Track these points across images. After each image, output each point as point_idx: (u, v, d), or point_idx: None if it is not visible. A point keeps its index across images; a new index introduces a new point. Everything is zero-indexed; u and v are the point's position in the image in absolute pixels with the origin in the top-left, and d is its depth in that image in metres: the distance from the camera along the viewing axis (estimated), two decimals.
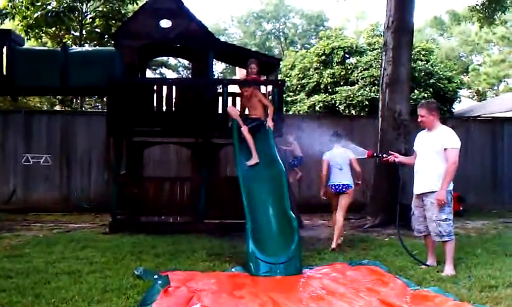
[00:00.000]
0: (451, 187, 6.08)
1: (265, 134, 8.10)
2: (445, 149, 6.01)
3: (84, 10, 15.86)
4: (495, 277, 5.52)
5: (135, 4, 15.35)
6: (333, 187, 7.88)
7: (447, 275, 5.70)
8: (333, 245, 7.45)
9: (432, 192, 6.03)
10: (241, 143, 7.89)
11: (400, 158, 6.81)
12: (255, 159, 7.74)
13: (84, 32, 16.15)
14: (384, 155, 6.97)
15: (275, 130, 8.31)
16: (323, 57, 19.32)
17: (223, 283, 5.30)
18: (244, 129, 8.01)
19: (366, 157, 7.17)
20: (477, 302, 4.66)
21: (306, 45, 37.47)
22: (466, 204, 11.89)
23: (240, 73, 17.85)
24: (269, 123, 8.17)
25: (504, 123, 13.80)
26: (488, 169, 13.37)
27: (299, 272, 5.85)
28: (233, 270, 6.01)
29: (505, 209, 12.51)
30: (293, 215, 6.49)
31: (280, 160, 7.54)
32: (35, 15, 14.46)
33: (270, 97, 9.33)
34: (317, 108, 18.29)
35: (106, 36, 15.67)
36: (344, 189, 7.78)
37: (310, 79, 19.45)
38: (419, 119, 6.30)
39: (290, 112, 18.54)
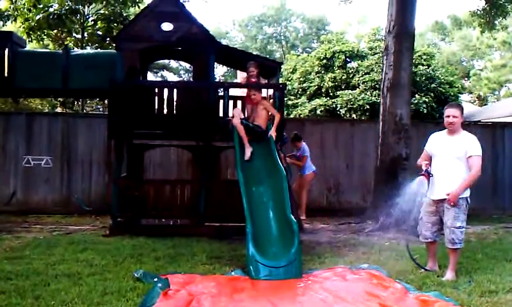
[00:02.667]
0: (468, 194, 5.98)
1: (267, 139, 8.10)
2: (469, 156, 5.84)
3: (85, 13, 15.89)
4: (495, 282, 5.51)
5: (136, 7, 15.38)
6: (315, 172, 11.06)
7: (447, 280, 5.69)
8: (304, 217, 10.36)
9: (443, 199, 5.94)
10: (242, 147, 7.88)
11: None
12: (248, 151, 7.78)
13: (85, 34, 16.18)
14: (429, 170, 6.11)
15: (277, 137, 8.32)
16: (324, 61, 19.34)
17: (222, 286, 5.29)
18: (235, 119, 8.07)
19: (425, 180, 6.07)
20: None
21: (307, 49, 37.56)
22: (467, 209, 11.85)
23: (241, 77, 17.87)
24: (272, 132, 8.15)
25: (504, 127, 13.77)
26: (488, 174, 13.31)
27: (299, 275, 5.83)
28: (233, 273, 6.01)
29: (506, 214, 12.48)
30: (293, 218, 6.49)
31: (281, 164, 7.54)
32: (37, 17, 14.48)
33: (271, 100, 9.34)
34: (318, 112, 18.31)
35: (108, 39, 15.69)
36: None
37: (311, 83, 19.47)
38: (450, 120, 5.95)
39: (292, 116, 18.55)
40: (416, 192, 6.10)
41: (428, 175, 6.08)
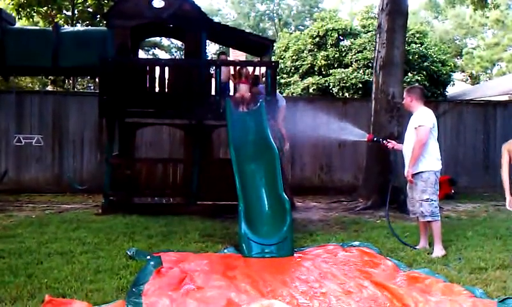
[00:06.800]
0: (437, 168, 6.12)
1: (259, 116, 8.08)
2: (415, 128, 6.09)
3: None
4: (485, 259, 5.58)
5: None
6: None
7: (437, 257, 5.75)
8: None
9: (413, 173, 6.12)
10: (234, 125, 7.86)
11: (397, 146, 6.74)
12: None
13: (76, 11, 15.98)
14: (385, 141, 6.94)
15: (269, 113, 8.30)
16: (317, 39, 19.22)
17: (215, 264, 5.32)
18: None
19: (366, 140, 7.21)
20: (467, 283, 4.71)
21: (300, 27, 37.23)
22: (458, 187, 11.97)
23: (234, 55, 17.76)
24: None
25: (496, 106, 13.82)
26: (479, 152, 13.42)
27: (291, 253, 5.88)
28: (225, 251, 6.05)
29: (497, 192, 12.51)
30: (285, 196, 6.51)
31: (273, 142, 7.53)
32: None
33: (264, 79, 9.29)
34: (311, 90, 18.25)
35: (98, 16, 15.51)
36: None
37: (303, 61, 19.36)
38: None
39: (284, 94, 18.48)
40: (350, 133, 7.64)
41: (373, 140, 7.19)
